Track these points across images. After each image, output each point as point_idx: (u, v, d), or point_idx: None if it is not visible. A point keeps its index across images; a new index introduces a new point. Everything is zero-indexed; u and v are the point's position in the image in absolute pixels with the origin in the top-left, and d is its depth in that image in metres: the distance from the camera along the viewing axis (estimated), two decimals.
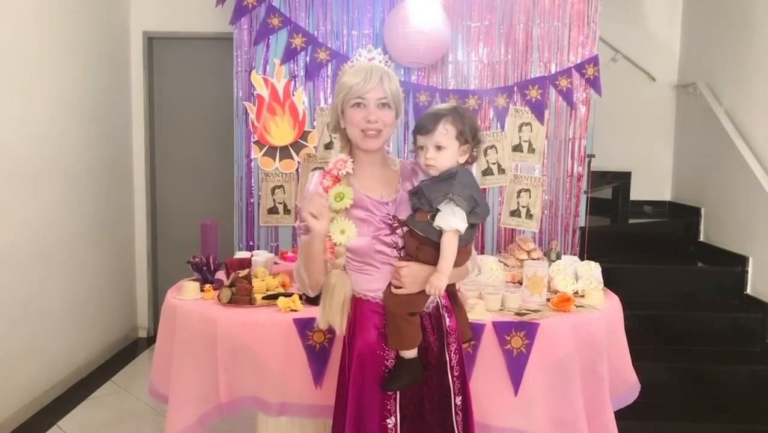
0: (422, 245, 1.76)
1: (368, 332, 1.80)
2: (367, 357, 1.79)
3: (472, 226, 1.78)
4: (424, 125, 1.78)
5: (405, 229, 1.80)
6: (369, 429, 1.79)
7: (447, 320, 1.87)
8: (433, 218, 1.73)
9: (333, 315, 1.77)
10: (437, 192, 1.73)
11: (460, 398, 1.86)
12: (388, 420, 1.79)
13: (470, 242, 1.86)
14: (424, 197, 1.75)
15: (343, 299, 1.77)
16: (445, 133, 1.76)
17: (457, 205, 1.70)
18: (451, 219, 1.71)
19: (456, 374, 1.86)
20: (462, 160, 1.80)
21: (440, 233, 1.74)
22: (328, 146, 3.67)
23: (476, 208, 1.75)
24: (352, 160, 1.82)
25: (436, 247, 1.76)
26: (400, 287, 1.77)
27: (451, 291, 1.93)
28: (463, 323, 1.94)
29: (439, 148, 1.76)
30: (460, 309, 1.96)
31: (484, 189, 3.61)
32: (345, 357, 1.86)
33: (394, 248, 1.81)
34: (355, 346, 1.81)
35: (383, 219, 1.81)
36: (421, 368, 1.79)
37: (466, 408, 1.88)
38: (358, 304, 1.83)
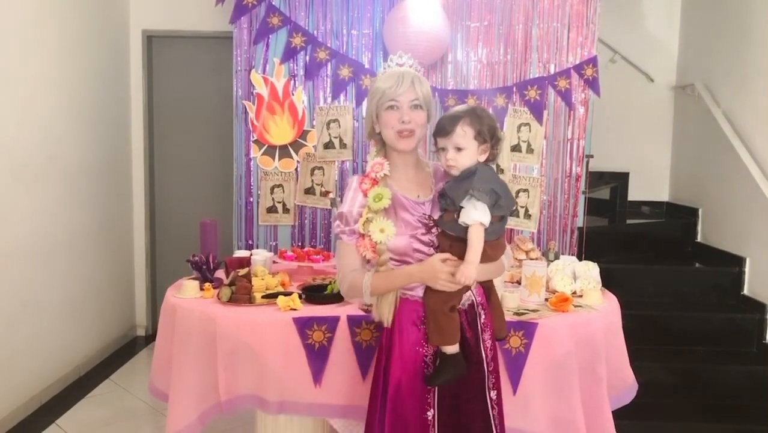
0: (454, 243, 1.82)
1: (407, 330, 1.87)
2: (407, 353, 1.86)
3: (501, 219, 1.84)
4: (443, 127, 1.84)
5: (438, 229, 1.87)
6: (409, 422, 1.84)
7: (482, 316, 1.93)
8: (459, 216, 1.78)
9: (382, 311, 1.87)
10: (459, 190, 1.78)
11: (495, 392, 1.93)
12: (428, 413, 1.85)
13: (501, 236, 1.91)
14: (449, 197, 1.81)
15: (394, 297, 1.87)
16: (463, 134, 1.81)
17: (478, 199, 1.75)
18: (474, 213, 1.75)
19: (491, 369, 1.93)
20: (482, 158, 1.85)
21: (468, 229, 1.78)
22: (327, 145, 3.67)
23: (499, 200, 1.79)
24: (388, 162, 1.89)
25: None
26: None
27: (487, 287, 1.99)
28: (499, 320, 2.00)
29: (458, 149, 1.82)
30: (496, 306, 2.01)
31: None
32: (382, 355, 1.92)
33: (431, 246, 1.87)
34: (394, 343, 1.87)
35: (420, 219, 1.88)
36: (464, 362, 1.85)
37: (500, 402, 1.95)
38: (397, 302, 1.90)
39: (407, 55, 1.94)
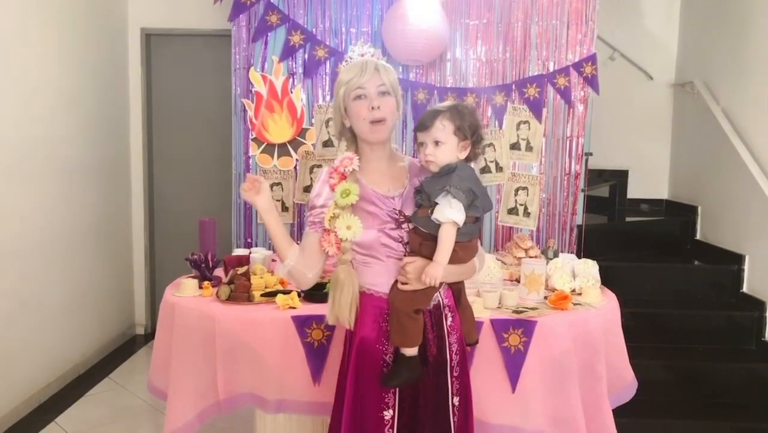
0: (425, 241, 1.78)
1: (368, 326, 1.82)
2: (366, 350, 1.81)
3: (476, 220, 1.81)
4: (422, 122, 1.81)
5: (411, 225, 1.82)
6: (365, 421, 1.81)
7: (449, 319, 1.89)
8: (432, 212, 1.75)
9: (342, 311, 1.81)
10: (436, 186, 1.75)
11: (458, 398, 1.87)
12: (384, 412, 1.81)
13: (474, 237, 1.87)
14: (425, 192, 1.77)
15: (352, 295, 1.81)
16: (442, 128, 1.78)
17: (454, 197, 1.72)
18: (448, 211, 1.72)
19: (456, 374, 1.87)
20: (462, 156, 1.81)
21: (440, 226, 1.75)
22: (327, 144, 3.67)
23: (475, 201, 1.76)
24: (358, 157, 1.84)
25: None
26: (406, 283, 1.79)
27: (457, 289, 1.95)
28: (469, 325, 1.96)
29: (437, 143, 1.78)
30: (466, 310, 1.97)
31: None
32: (346, 350, 1.89)
33: (400, 242, 1.83)
34: (354, 339, 1.84)
35: (389, 213, 1.83)
36: (420, 366, 1.81)
37: (466, 409, 1.89)
38: (360, 297, 1.85)
39: (367, 45, 1.90)
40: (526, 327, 2.31)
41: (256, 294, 2.48)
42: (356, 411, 1.81)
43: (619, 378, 2.56)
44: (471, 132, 1.79)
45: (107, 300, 4.46)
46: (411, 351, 1.79)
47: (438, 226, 1.75)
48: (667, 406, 3.38)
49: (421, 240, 1.79)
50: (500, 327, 2.30)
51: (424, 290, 1.78)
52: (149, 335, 4.80)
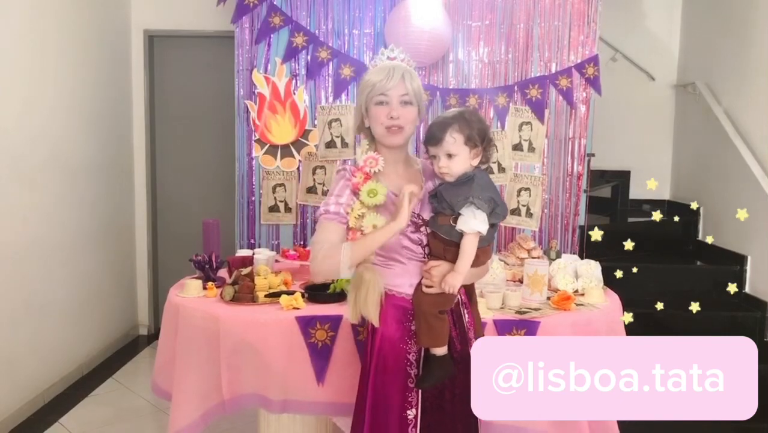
0: (448, 247, 1.80)
1: (390, 326, 1.84)
2: (389, 350, 1.83)
3: (492, 226, 1.82)
4: (432, 135, 1.81)
5: (429, 229, 1.85)
6: (389, 421, 1.82)
7: (466, 316, 1.93)
8: (455, 221, 1.76)
9: (369, 309, 1.79)
10: (457, 196, 1.76)
11: None
12: (408, 412, 1.82)
13: (491, 242, 1.91)
14: (445, 201, 1.78)
15: (379, 294, 1.81)
16: (453, 141, 1.78)
17: (478, 208, 1.73)
18: (473, 222, 1.74)
19: None
20: (475, 163, 1.82)
21: (463, 235, 1.77)
22: (329, 145, 3.68)
23: (496, 208, 1.78)
24: (383, 159, 1.85)
25: None
26: (431, 286, 1.81)
27: (469, 288, 1.97)
28: (478, 321, 1.99)
29: (449, 156, 1.79)
30: (474, 306, 2.00)
31: None
32: (368, 351, 1.90)
33: (419, 244, 1.85)
34: (376, 339, 1.85)
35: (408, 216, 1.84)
36: (452, 363, 1.84)
37: None
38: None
39: (399, 49, 1.90)
40: (529, 327, 2.32)
41: (260, 295, 2.49)
42: (379, 411, 1.83)
43: None
44: (480, 138, 1.80)
45: (110, 301, 4.47)
46: (441, 350, 1.82)
47: (461, 234, 1.77)
48: None
49: (445, 246, 1.81)
50: (503, 327, 2.32)
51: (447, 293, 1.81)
52: (152, 336, 4.81)
